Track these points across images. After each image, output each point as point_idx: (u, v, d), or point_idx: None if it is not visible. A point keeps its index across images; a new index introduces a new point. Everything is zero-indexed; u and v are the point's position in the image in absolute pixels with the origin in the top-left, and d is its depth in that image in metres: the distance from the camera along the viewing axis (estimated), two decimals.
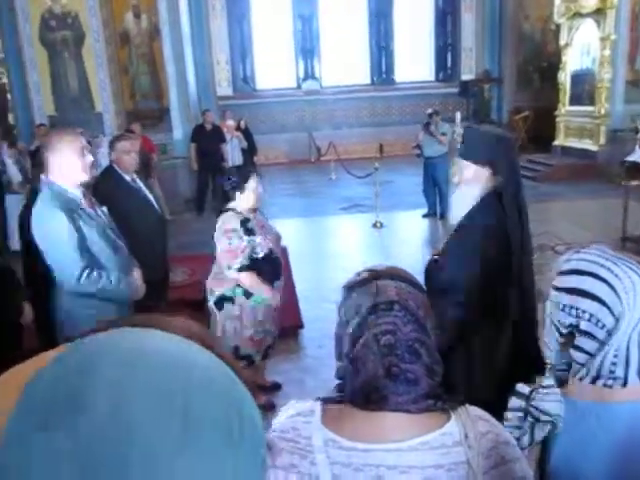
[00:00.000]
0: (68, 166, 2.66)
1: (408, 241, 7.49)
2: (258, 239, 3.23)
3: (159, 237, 3.87)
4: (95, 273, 2.70)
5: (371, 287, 1.05)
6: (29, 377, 0.38)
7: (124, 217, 3.25)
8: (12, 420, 0.35)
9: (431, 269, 2.81)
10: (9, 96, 11.03)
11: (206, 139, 9.47)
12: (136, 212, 3.61)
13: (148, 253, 3.46)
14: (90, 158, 2.77)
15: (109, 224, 2.91)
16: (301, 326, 4.80)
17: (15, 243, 5.30)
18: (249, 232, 3.23)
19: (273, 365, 3.95)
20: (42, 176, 3.47)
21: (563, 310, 1.20)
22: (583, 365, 1.18)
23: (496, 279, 2.52)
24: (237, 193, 3.27)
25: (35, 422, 0.34)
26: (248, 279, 3.25)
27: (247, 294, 3.29)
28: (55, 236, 2.63)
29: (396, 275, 1.08)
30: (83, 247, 2.67)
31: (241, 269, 3.21)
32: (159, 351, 0.40)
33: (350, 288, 1.09)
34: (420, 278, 1.40)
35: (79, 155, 2.68)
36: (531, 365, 2.42)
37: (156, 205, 3.87)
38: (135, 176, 3.78)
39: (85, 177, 2.78)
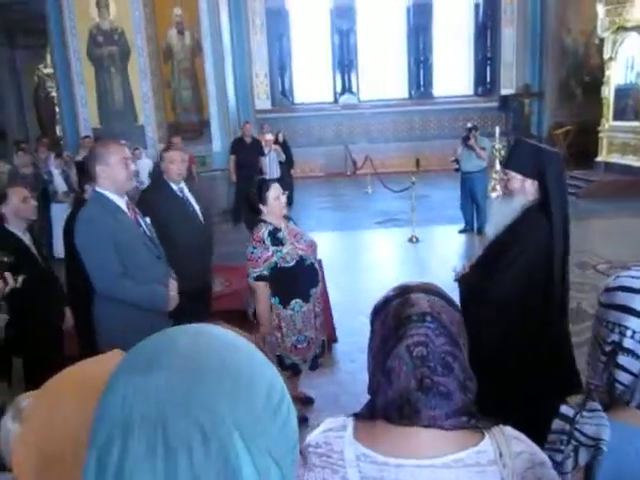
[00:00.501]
0: (113, 176, 2.75)
1: (444, 256, 7.40)
2: (286, 249, 3.23)
3: (203, 247, 3.90)
4: (131, 281, 2.76)
5: (404, 300, 1.05)
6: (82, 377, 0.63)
7: (169, 226, 3.30)
8: (117, 370, 0.52)
9: (464, 281, 2.78)
10: (57, 109, 11.42)
11: (245, 152, 9.60)
12: (181, 221, 3.67)
13: (191, 263, 3.50)
14: (133, 168, 2.87)
15: (150, 234, 2.98)
16: (335, 340, 4.78)
17: (60, 251, 5.48)
18: (277, 242, 3.24)
19: (306, 379, 3.93)
20: (87, 186, 3.58)
21: (606, 327, 1.16)
22: (627, 387, 1.14)
23: (539, 292, 2.48)
24: (261, 205, 3.31)
25: (129, 369, 0.51)
26: (260, 292, 3.25)
27: (284, 303, 3.29)
28: (95, 243, 2.70)
29: (429, 290, 1.08)
30: (121, 255, 2.73)
31: (258, 278, 3.22)
32: (217, 333, 0.55)
33: (383, 301, 1.09)
34: (455, 294, 1.38)
35: (123, 165, 2.77)
36: (566, 384, 2.36)
37: (201, 216, 3.92)
38: (183, 186, 3.86)
39: (129, 186, 2.88)
